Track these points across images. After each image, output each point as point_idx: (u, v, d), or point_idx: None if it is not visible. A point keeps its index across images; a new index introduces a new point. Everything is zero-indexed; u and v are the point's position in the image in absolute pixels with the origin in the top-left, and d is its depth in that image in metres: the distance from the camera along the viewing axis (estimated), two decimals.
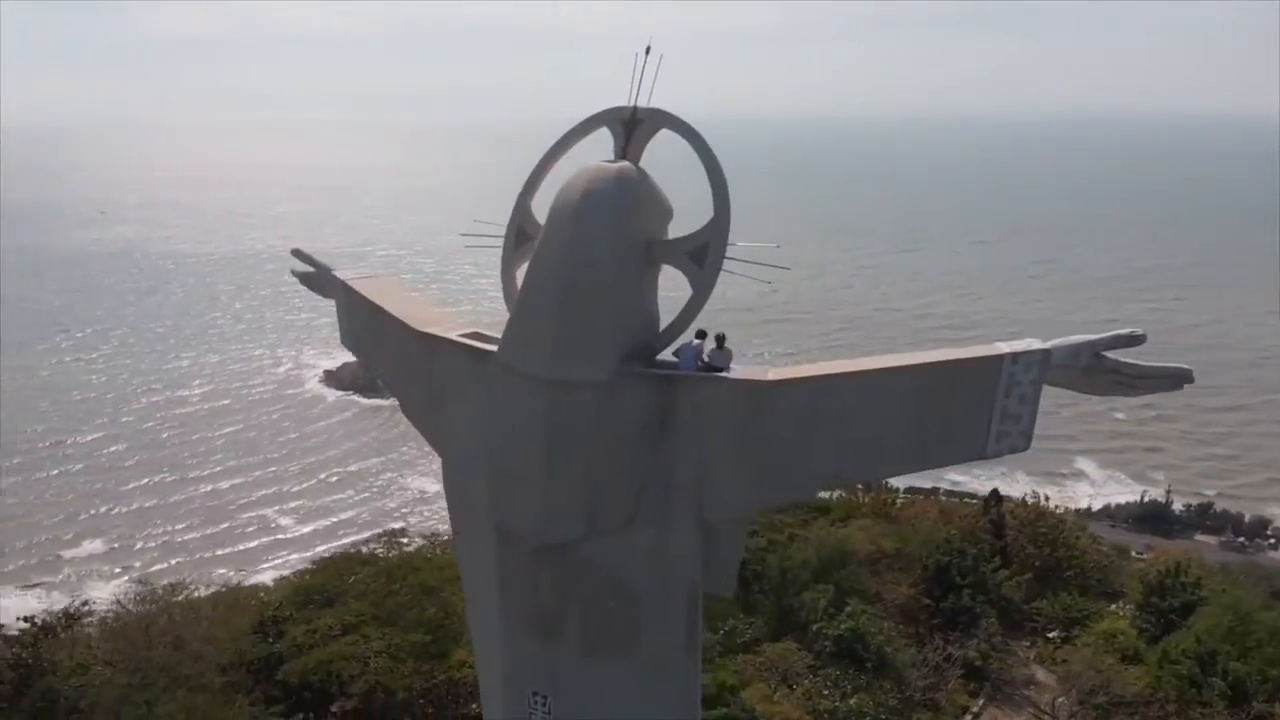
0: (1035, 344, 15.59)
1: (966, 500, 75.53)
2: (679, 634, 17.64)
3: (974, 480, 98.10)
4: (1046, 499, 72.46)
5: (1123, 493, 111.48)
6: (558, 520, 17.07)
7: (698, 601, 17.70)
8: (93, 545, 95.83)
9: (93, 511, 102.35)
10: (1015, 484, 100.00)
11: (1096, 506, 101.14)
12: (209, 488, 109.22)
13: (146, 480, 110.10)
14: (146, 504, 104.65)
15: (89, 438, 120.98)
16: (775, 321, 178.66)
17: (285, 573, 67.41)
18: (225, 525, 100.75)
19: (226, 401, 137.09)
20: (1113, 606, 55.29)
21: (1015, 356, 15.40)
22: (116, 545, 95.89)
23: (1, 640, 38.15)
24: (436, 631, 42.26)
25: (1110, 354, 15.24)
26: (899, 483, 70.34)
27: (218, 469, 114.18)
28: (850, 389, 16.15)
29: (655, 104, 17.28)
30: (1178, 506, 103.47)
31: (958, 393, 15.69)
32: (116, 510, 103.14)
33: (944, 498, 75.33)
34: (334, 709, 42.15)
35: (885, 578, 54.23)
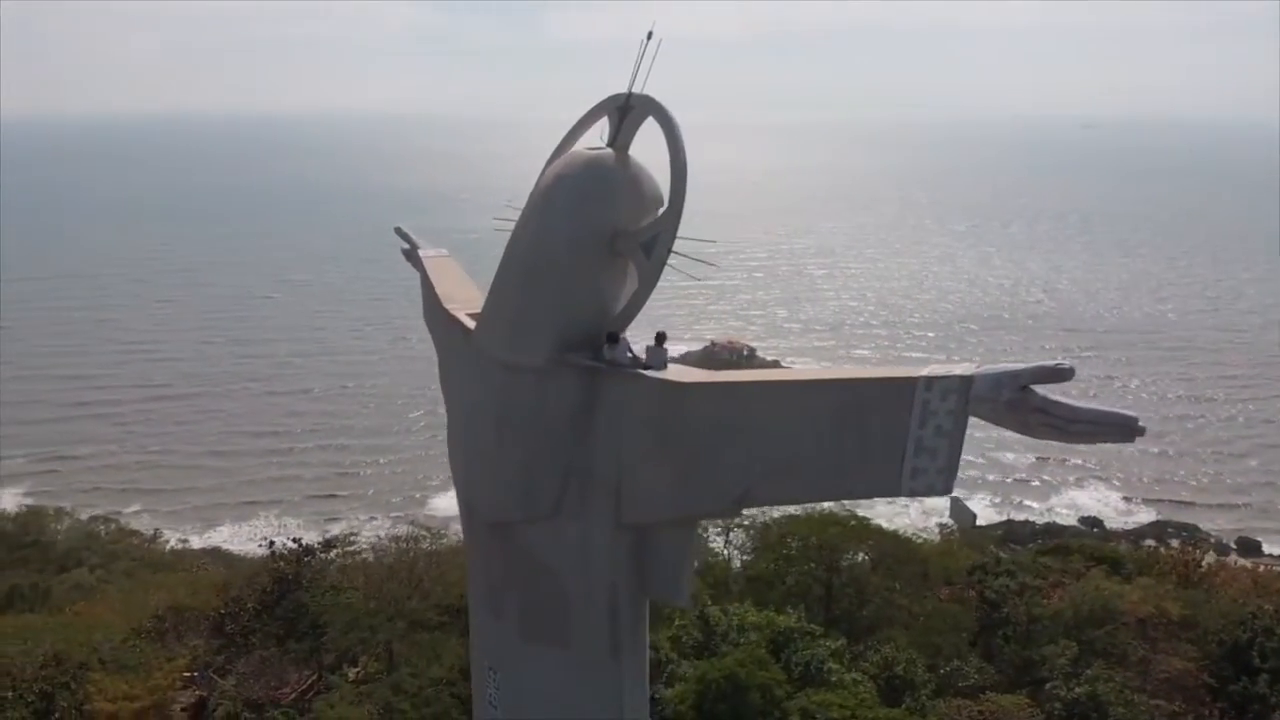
0: (957, 369, 13.22)
1: None
2: (602, 635, 17.09)
3: None
4: None
5: None
6: (502, 500, 17.32)
7: (620, 606, 17.01)
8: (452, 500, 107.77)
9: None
10: None
11: None
12: None
13: None
14: None
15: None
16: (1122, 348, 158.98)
17: None
18: None
19: None
20: None
21: (930, 382, 13.13)
22: None
23: (272, 556, 44.85)
24: None
25: (1041, 390, 12.56)
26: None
27: None
28: (761, 399, 14.69)
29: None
30: None
31: (870, 417, 13.66)
32: None
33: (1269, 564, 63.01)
34: None
35: (1160, 646, 47.08)
